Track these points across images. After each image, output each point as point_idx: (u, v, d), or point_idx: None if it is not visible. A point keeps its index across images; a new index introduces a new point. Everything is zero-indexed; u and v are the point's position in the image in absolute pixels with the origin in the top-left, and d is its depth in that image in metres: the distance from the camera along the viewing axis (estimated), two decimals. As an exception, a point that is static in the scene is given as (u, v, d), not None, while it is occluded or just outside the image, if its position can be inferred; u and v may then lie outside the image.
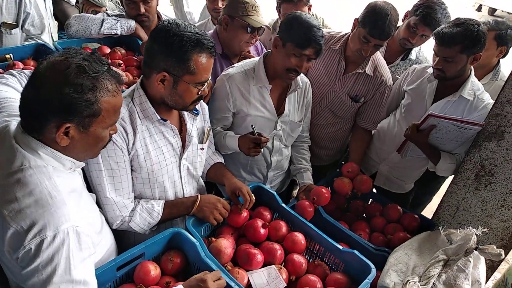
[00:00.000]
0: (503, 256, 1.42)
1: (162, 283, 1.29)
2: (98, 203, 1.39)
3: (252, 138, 1.72)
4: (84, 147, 1.08)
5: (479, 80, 2.01)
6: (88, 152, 1.12)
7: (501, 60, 2.37)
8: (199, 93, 1.40)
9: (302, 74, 1.94)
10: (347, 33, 2.07)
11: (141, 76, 1.45)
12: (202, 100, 1.70)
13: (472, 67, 1.91)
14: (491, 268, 1.81)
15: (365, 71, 2.04)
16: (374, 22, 1.84)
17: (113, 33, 2.23)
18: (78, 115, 1.00)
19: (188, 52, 1.29)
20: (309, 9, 2.57)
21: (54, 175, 1.03)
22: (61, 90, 0.96)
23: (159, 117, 1.43)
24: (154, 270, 1.29)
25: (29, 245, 0.94)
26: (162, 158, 1.49)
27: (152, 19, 2.28)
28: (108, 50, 2.20)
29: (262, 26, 2.03)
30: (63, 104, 0.97)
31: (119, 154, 1.38)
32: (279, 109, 1.90)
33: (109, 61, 2.03)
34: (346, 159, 2.51)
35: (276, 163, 2.04)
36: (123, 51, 2.24)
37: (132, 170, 1.45)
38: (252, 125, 1.75)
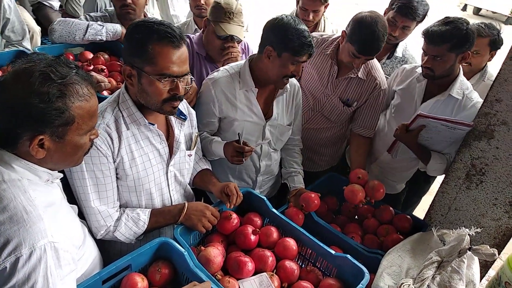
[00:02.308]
0: (497, 255, 1.40)
1: (150, 296, 1.25)
2: (81, 213, 1.34)
3: (236, 146, 1.69)
4: (63, 157, 1.04)
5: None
6: (67, 162, 1.07)
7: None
8: (171, 90, 1.31)
9: (292, 78, 1.92)
10: (339, 37, 2.03)
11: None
12: (188, 105, 1.67)
13: (461, 66, 1.90)
14: (485, 266, 1.79)
15: (357, 75, 2.02)
16: (362, 41, 1.82)
17: (98, 39, 2.19)
18: (50, 126, 0.95)
19: (145, 40, 1.24)
20: (326, 8, 2.52)
21: (30, 189, 0.98)
22: (27, 101, 0.91)
23: (146, 121, 1.38)
24: (141, 282, 1.24)
25: (4, 263, 0.89)
26: (149, 165, 1.45)
27: (138, 14, 2.23)
28: (91, 56, 2.15)
29: (235, 36, 1.97)
30: (32, 116, 0.92)
31: (103, 162, 1.33)
32: (267, 113, 1.86)
33: (92, 66, 1.99)
34: (341, 166, 2.48)
35: (265, 167, 2.00)
36: (106, 56, 2.19)
37: (117, 178, 1.41)
38: (238, 133, 1.71)
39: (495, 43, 2.26)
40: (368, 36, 1.79)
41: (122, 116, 1.37)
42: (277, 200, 2.08)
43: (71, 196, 1.35)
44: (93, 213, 1.35)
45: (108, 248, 1.52)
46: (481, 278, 1.74)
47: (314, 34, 2.16)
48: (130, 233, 1.41)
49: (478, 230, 1.47)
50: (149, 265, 1.34)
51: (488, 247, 1.40)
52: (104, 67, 2.02)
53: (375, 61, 2.08)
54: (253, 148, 1.71)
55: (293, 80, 1.93)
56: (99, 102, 1.41)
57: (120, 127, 1.36)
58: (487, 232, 1.73)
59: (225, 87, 1.77)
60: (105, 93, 1.89)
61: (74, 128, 1.00)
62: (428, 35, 1.79)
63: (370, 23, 1.79)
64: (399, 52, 2.44)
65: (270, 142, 1.93)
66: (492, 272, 1.93)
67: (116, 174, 1.40)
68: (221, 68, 1.84)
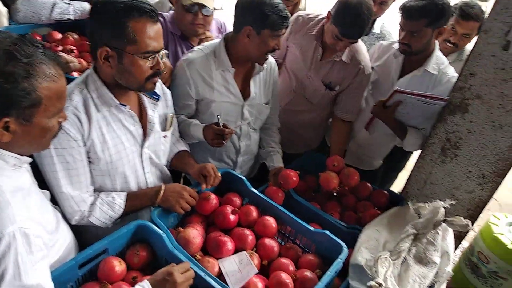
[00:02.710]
0: (470, 226, 1.44)
1: (129, 279, 1.23)
2: (54, 199, 1.30)
3: (216, 129, 1.66)
4: (30, 141, 0.99)
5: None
6: (35, 146, 1.03)
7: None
8: (153, 67, 1.29)
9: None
10: (325, 17, 1.99)
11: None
12: (163, 85, 1.63)
13: (437, 42, 1.91)
14: (459, 238, 1.85)
15: (341, 59, 1.99)
16: (346, 23, 1.78)
17: (65, 18, 2.09)
18: (16, 108, 0.90)
19: (123, 18, 1.18)
20: None
21: None
22: None
23: (117, 102, 1.34)
24: (119, 265, 1.23)
25: None
26: (122, 148, 1.41)
27: None
28: (59, 36, 2.06)
29: (207, 7, 1.90)
30: None
31: (73, 146, 1.29)
32: (245, 92, 1.83)
33: (61, 47, 1.90)
34: (321, 148, 2.48)
35: (245, 148, 1.99)
36: (76, 36, 2.11)
37: (89, 162, 1.37)
38: (217, 115, 1.68)
39: (482, 26, 2.28)
40: (352, 19, 1.76)
41: (91, 97, 1.32)
42: (257, 180, 2.08)
43: (44, 181, 1.31)
44: (65, 198, 1.31)
45: (85, 233, 1.49)
46: (455, 249, 1.80)
47: (300, 13, 2.13)
48: (105, 218, 1.39)
49: (453, 202, 1.51)
50: (127, 248, 1.32)
51: (462, 218, 1.44)
52: (74, 48, 1.94)
53: (360, 45, 2.05)
54: (233, 130, 1.68)
55: (269, 58, 1.90)
56: (68, 84, 1.36)
57: (89, 110, 1.31)
58: (461, 205, 1.78)
59: (201, 68, 1.72)
60: (74, 74, 1.82)
61: (41, 110, 0.95)
62: (405, 10, 1.78)
63: (355, 5, 1.75)
64: (376, 28, 2.43)
65: (249, 122, 1.91)
66: (465, 243, 1.99)
67: (88, 158, 1.36)
68: (196, 48, 1.79)
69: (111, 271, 1.20)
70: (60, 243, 1.19)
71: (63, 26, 2.13)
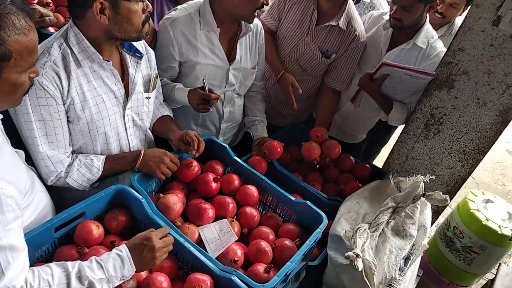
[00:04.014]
0: (448, 201, 1.47)
1: (106, 243, 1.21)
2: (30, 159, 1.26)
3: (202, 94, 1.61)
4: (0, 97, 0.93)
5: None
6: (5, 102, 0.97)
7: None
8: (144, 10, 1.27)
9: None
10: None
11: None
12: (146, 44, 1.56)
13: (428, 16, 1.88)
14: (436, 213, 1.90)
15: (338, 24, 1.92)
16: None
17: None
18: None
19: None
20: None
21: None
22: None
23: (101, 57, 1.28)
24: (96, 229, 1.20)
25: None
26: (103, 108, 1.35)
27: None
28: (35, -12, 1.93)
29: None
30: None
31: (51, 103, 1.23)
32: (230, 55, 1.77)
33: (36, 0, 1.78)
34: (309, 120, 2.45)
35: (229, 114, 1.95)
36: (53, -12, 1.97)
37: (68, 121, 1.31)
38: (203, 80, 1.62)
39: None
40: None
41: (72, 52, 1.25)
42: (241, 149, 2.06)
43: (19, 140, 1.26)
44: (41, 158, 1.26)
45: (64, 196, 1.46)
46: (432, 224, 1.84)
47: None
48: (83, 180, 1.35)
49: (433, 177, 1.53)
50: (105, 213, 1.29)
51: (441, 193, 1.46)
52: (50, 1, 1.82)
53: (355, 13, 2.00)
54: (219, 95, 1.64)
55: (255, 20, 1.84)
56: (45, 39, 1.29)
57: (69, 65, 1.24)
58: (441, 180, 1.81)
59: (185, 28, 1.65)
60: (51, 29, 1.71)
61: (11, 64, 0.89)
62: None
63: None
64: (366, -3, 2.38)
65: (235, 88, 1.86)
66: (441, 219, 2.05)
67: (68, 117, 1.30)
68: (179, 7, 1.70)
69: (88, 234, 1.18)
70: (35, 205, 1.15)
71: (40, -22, 2.00)
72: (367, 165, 1.92)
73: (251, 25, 1.74)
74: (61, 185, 1.34)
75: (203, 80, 1.62)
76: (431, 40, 1.88)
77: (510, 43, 1.46)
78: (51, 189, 1.33)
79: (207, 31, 1.67)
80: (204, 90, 1.61)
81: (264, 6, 1.61)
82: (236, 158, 1.61)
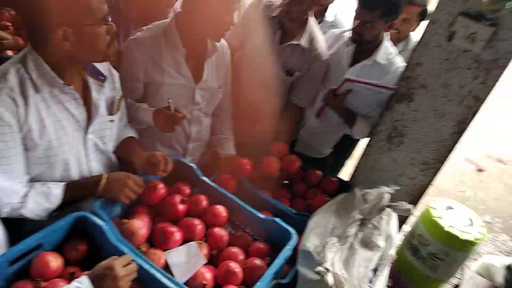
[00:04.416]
0: (412, 210, 1.50)
1: (66, 275, 1.15)
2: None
3: (168, 114, 1.58)
4: None
5: None
6: None
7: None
8: (109, 32, 1.24)
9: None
10: None
11: None
12: (111, 66, 1.52)
13: (387, 33, 1.96)
14: (401, 222, 1.93)
15: (300, 43, 1.96)
16: None
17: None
18: None
19: None
20: None
21: None
22: None
23: (61, 82, 1.24)
24: (54, 261, 1.14)
25: None
26: (63, 133, 1.30)
27: None
28: (-8, 11, 1.86)
29: None
30: None
31: (6, 132, 1.17)
32: (196, 76, 1.76)
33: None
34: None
35: (196, 134, 1.92)
36: (12, 12, 1.91)
37: (26, 149, 1.25)
38: (168, 99, 1.60)
39: (424, 13, 2.38)
40: None
41: (30, 78, 1.20)
42: (208, 168, 2.03)
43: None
44: None
45: (23, 226, 1.37)
46: (399, 232, 1.88)
47: None
48: (40, 209, 1.28)
49: (397, 188, 1.57)
50: (65, 242, 1.23)
51: (405, 203, 1.50)
52: (9, 24, 1.76)
53: (318, 32, 2.05)
54: (185, 114, 1.62)
55: (222, 40, 1.85)
56: (2, 63, 1.23)
57: (27, 91, 1.19)
58: (405, 190, 1.85)
59: (150, 48, 1.63)
60: (9, 53, 1.66)
61: None
62: (362, 0, 1.81)
63: None
64: (329, 16, 2.45)
65: (201, 107, 1.85)
66: (407, 228, 2.09)
67: (25, 144, 1.24)
68: (145, 27, 1.69)
69: (45, 267, 1.12)
70: (-13, 238, 1.09)
71: None
72: (334, 179, 1.95)
73: (218, 44, 1.74)
74: (16, 216, 1.27)
75: (168, 99, 1.60)
76: (390, 56, 1.96)
77: (463, 57, 1.54)
78: (5, 220, 1.25)
79: (173, 51, 1.66)
80: (169, 110, 1.59)
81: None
82: (203, 177, 1.59)
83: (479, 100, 1.58)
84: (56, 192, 1.30)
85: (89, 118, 1.39)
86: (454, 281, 2.03)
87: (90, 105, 1.38)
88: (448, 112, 1.66)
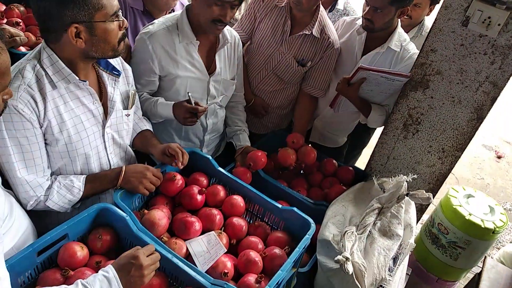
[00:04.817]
0: (432, 199, 1.49)
1: (92, 264, 1.18)
2: (6, 183, 1.22)
3: (189, 107, 1.59)
4: None
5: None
6: None
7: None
8: (121, 27, 1.26)
9: (231, 29, 1.82)
10: None
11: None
12: (123, 61, 1.54)
13: (399, 19, 1.93)
14: (420, 211, 1.93)
15: (312, 32, 1.94)
16: None
17: (10, -11, 1.91)
18: None
19: None
20: None
21: None
22: None
23: (77, 78, 1.25)
24: (80, 250, 1.17)
25: None
26: (82, 128, 1.33)
27: None
28: (3, 7, 1.88)
29: None
30: None
31: (28, 127, 1.20)
32: (210, 67, 1.77)
33: (5, 20, 1.74)
34: (291, 127, 2.46)
35: (212, 125, 1.94)
36: (22, 8, 1.93)
37: (46, 143, 1.28)
38: (188, 93, 1.61)
39: None
40: None
41: (46, 74, 1.22)
42: (224, 159, 2.05)
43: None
44: (20, 183, 1.23)
45: (45, 218, 1.41)
46: (417, 221, 1.87)
47: None
48: (64, 202, 1.31)
49: (415, 176, 1.55)
50: (89, 233, 1.26)
51: (424, 191, 1.49)
52: (20, 21, 1.77)
53: (328, 20, 2.02)
54: (206, 107, 1.63)
55: (233, 32, 1.84)
56: (17, 60, 1.26)
57: (44, 87, 1.21)
58: (422, 178, 1.84)
59: (164, 41, 1.64)
60: (22, 49, 1.68)
61: None
62: None
63: None
64: (340, 4, 2.42)
65: (215, 98, 1.86)
66: (425, 217, 2.08)
67: (45, 139, 1.27)
68: (156, 21, 1.70)
69: (72, 257, 1.15)
70: (15, 230, 1.12)
71: (8, -2, 1.96)
72: (350, 168, 1.94)
73: (229, 37, 1.75)
74: (41, 208, 1.30)
75: (188, 93, 1.61)
76: (404, 43, 1.93)
77: (479, 42, 1.51)
78: (31, 213, 1.29)
79: (186, 44, 1.67)
80: (189, 103, 1.60)
81: (223, 21, 1.59)
82: (220, 168, 1.60)
83: (497, 86, 1.56)
84: (78, 184, 1.33)
85: (106, 113, 1.41)
86: (475, 270, 2.01)
87: (106, 100, 1.40)
88: (464, 99, 1.64)
